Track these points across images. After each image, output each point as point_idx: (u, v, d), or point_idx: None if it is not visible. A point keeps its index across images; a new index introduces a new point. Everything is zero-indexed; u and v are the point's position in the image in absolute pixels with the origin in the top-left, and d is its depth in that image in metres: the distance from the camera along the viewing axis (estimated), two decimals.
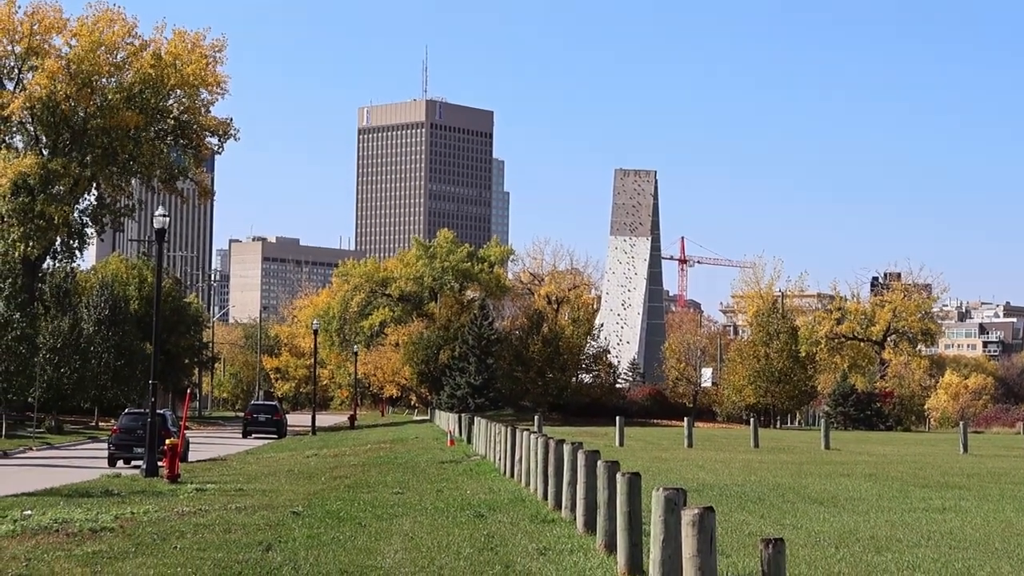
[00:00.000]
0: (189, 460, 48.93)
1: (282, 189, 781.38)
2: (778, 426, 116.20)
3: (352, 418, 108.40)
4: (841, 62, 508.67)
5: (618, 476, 18.05)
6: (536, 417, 71.45)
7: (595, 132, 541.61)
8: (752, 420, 68.41)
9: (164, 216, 44.71)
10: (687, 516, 12.95)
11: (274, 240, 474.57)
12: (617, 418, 64.47)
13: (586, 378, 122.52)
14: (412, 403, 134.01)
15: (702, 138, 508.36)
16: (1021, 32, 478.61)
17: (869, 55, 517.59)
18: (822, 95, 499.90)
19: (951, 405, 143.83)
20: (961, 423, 69.97)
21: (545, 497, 27.64)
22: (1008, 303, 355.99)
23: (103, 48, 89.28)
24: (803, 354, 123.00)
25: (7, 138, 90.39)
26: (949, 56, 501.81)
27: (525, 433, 33.35)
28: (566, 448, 24.60)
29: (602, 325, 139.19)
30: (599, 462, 20.05)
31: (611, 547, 18.67)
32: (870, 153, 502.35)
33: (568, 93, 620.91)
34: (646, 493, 16.24)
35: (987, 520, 25.70)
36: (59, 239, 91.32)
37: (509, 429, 37.61)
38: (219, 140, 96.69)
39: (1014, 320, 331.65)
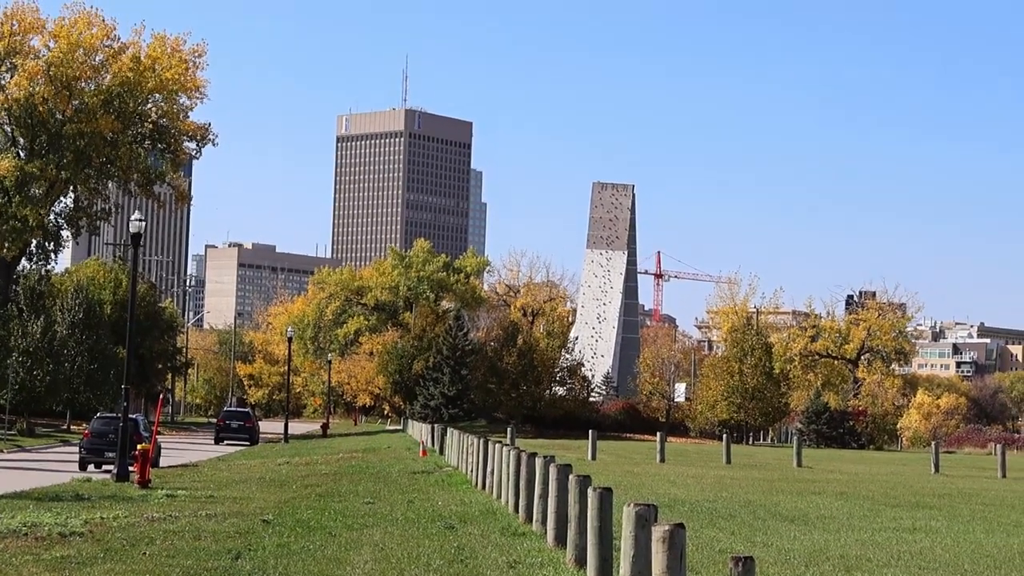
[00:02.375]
0: (160, 465, 48.74)
1: (260, 195, 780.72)
2: (751, 443, 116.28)
3: (325, 426, 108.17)
4: (823, 78, 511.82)
5: (589, 491, 18.01)
6: (509, 429, 71.38)
7: (573, 145, 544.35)
8: (724, 436, 68.45)
9: (140, 220, 44.58)
10: (657, 532, 12.91)
11: (250, 246, 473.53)
12: (590, 432, 64.37)
13: (560, 391, 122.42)
14: (385, 412, 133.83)
15: (681, 152, 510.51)
16: (991, 48, 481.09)
17: (851, 70, 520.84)
18: (801, 111, 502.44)
19: (923, 425, 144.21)
20: (933, 443, 70.15)
21: (516, 510, 27.61)
22: (982, 324, 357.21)
23: (81, 50, 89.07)
24: (777, 371, 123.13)
25: None
26: (931, 70, 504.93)
27: (497, 445, 33.33)
28: (538, 461, 24.58)
29: (576, 338, 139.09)
30: (571, 476, 20.03)
31: (581, 562, 18.64)
32: (849, 171, 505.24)
33: (547, 106, 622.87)
34: (617, 508, 16.22)
35: (957, 541, 25.75)
36: (34, 241, 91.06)
37: (481, 441, 37.58)
38: (197, 145, 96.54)
39: (987, 341, 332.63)
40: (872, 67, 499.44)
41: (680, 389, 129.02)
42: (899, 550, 23.70)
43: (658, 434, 65.47)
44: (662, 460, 59.66)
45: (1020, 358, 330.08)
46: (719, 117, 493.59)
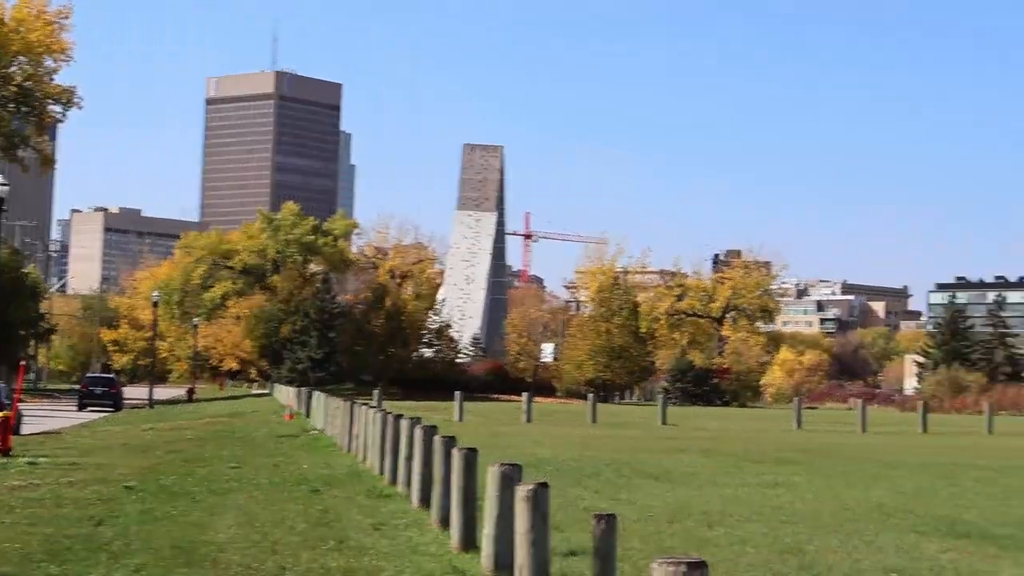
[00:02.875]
0: (22, 433, 47.99)
1: (127, 160, 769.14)
2: (617, 401, 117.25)
3: (191, 391, 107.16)
4: (683, 37, 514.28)
5: (454, 451, 18.06)
6: (376, 392, 71.29)
7: (443, 107, 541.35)
8: (590, 396, 68.86)
9: (4, 185, 43.82)
10: (521, 492, 13.00)
11: (116, 211, 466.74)
12: (456, 393, 64.43)
13: (428, 353, 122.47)
14: (251, 377, 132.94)
15: (550, 114, 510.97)
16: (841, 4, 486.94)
17: (705, 28, 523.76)
18: (663, 72, 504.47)
19: (787, 381, 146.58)
20: (795, 399, 71.24)
21: (382, 472, 27.59)
22: (846, 281, 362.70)
23: None
24: (643, 330, 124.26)
25: None
26: (784, 25, 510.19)
27: (363, 408, 33.28)
28: (404, 423, 24.59)
29: (444, 300, 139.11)
30: (436, 437, 20.06)
31: (445, 522, 18.68)
32: (714, 130, 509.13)
33: (417, 68, 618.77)
34: (483, 469, 16.28)
35: (817, 495, 26.19)
36: None
37: (347, 403, 37.51)
38: (62, 108, 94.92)
39: (851, 298, 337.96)
40: (726, 25, 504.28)
41: (547, 349, 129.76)
42: (761, 505, 24.05)
43: (524, 395, 65.73)
44: (528, 420, 59.92)
45: (882, 315, 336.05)
46: (586, 79, 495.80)
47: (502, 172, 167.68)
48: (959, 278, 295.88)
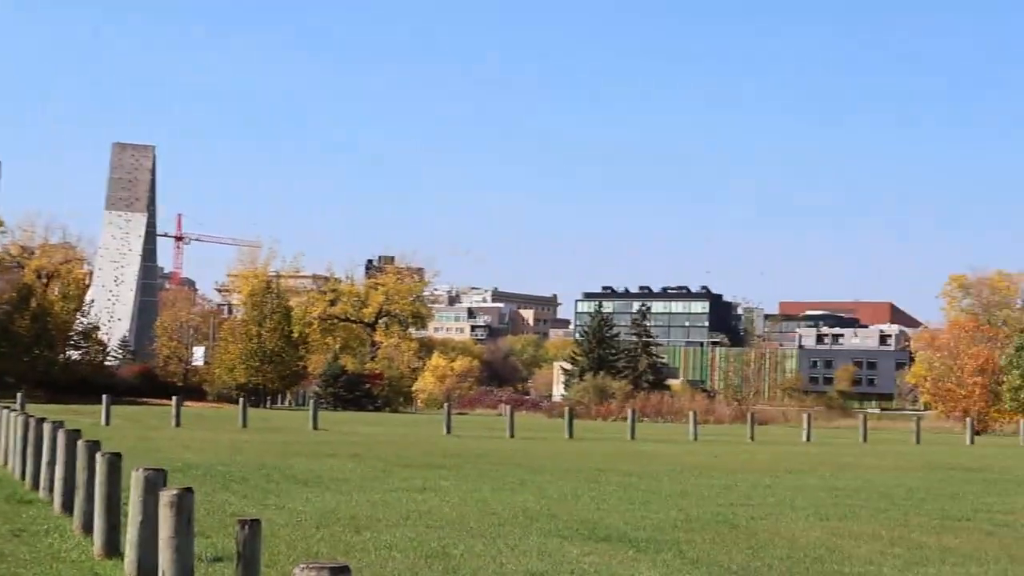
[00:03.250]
0: None
1: None
2: (269, 406, 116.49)
3: None
4: (326, 30, 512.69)
5: (98, 456, 17.71)
6: (19, 395, 69.15)
7: (92, 104, 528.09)
8: (241, 400, 68.31)
9: None
10: (165, 497, 12.83)
11: None
12: (104, 396, 63.12)
13: (75, 355, 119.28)
14: None
15: (204, 115, 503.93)
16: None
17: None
18: (317, 65, 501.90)
19: (438, 387, 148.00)
20: (446, 404, 72.10)
21: (23, 477, 26.86)
22: (496, 289, 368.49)
23: None
24: (296, 334, 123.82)
25: None
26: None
27: (4, 411, 32.29)
28: (46, 427, 23.97)
29: (93, 301, 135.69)
30: (79, 442, 19.64)
31: (88, 528, 18.28)
32: (364, 131, 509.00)
33: (69, 64, 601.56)
34: (128, 473, 16.00)
35: (464, 499, 26.57)
36: None
37: None
38: None
39: (501, 305, 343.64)
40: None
41: (199, 353, 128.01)
42: (408, 509, 24.27)
43: (174, 398, 64.79)
44: (178, 424, 59.08)
45: (531, 322, 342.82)
46: (236, 80, 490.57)
47: (154, 172, 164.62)
48: (605, 288, 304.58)
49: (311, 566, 8.40)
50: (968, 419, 77.70)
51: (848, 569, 18.39)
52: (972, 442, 71.13)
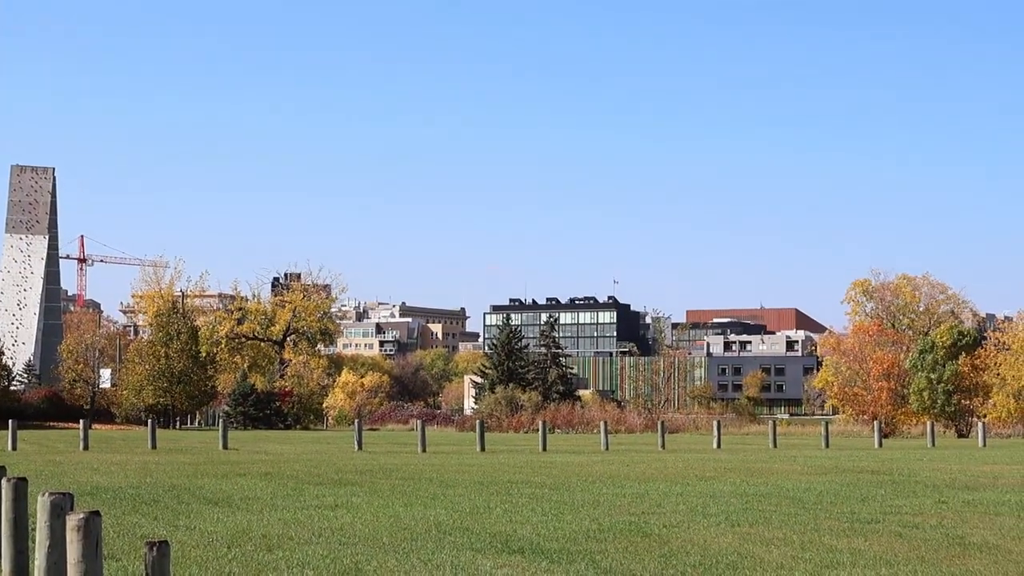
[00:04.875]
0: None
1: None
2: (178, 427, 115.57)
3: None
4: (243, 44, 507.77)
5: (3, 481, 17.48)
6: None
7: None
8: (150, 421, 67.79)
9: None
10: (72, 521, 12.67)
11: None
12: (10, 421, 62.63)
13: None
14: None
15: (105, 137, 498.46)
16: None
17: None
18: (225, 84, 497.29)
19: (348, 403, 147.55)
20: (356, 420, 71.88)
21: None
22: (404, 303, 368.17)
23: None
24: (203, 354, 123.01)
25: None
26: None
27: None
28: None
29: None
30: None
31: None
32: (268, 149, 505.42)
33: None
34: (35, 498, 15.81)
35: (376, 515, 26.46)
36: None
37: None
38: None
39: (409, 320, 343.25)
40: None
41: (105, 375, 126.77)
42: (320, 527, 24.14)
43: (82, 421, 64.17)
44: (86, 448, 58.48)
45: (440, 336, 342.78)
46: (135, 99, 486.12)
47: (54, 194, 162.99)
48: (513, 300, 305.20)
49: None
50: (876, 422, 78.50)
51: (760, 574, 18.51)
52: (880, 445, 71.88)
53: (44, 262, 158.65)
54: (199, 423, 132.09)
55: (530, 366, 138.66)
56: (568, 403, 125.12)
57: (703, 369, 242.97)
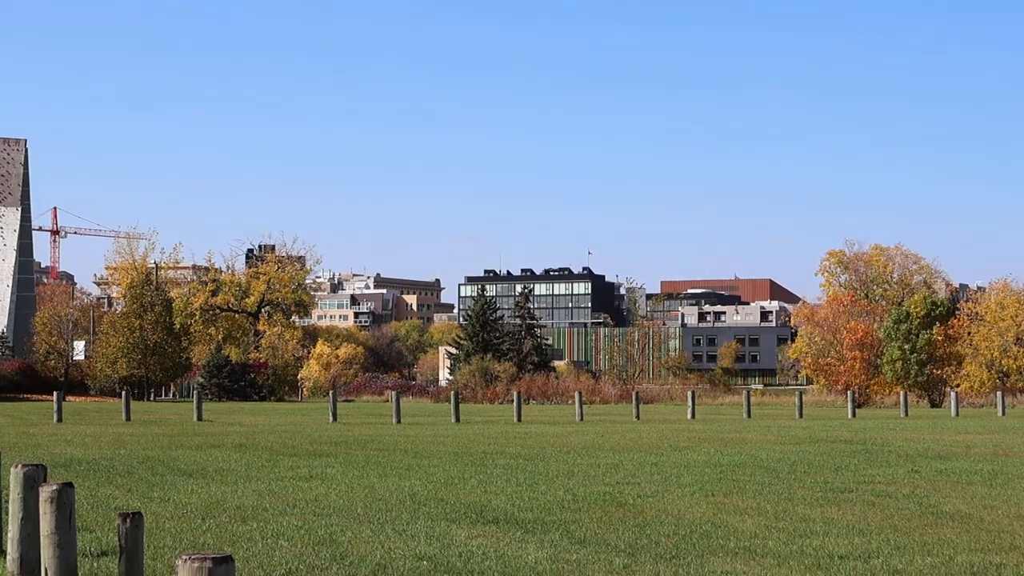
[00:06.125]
0: None
1: None
2: (153, 399, 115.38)
3: None
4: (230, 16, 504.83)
5: None
6: None
7: None
8: (124, 393, 67.61)
9: None
10: (45, 493, 12.65)
11: None
12: None
13: None
14: None
15: (77, 105, 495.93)
16: None
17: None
18: (196, 51, 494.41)
19: (323, 375, 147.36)
20: (331, 392, 71.84)
21: None
22: (379, 275, 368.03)
23: None
24: (178, 326, 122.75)
25: None
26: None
27: None
28: None
29: None
30: None
31: None
32: (244, 121, 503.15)
33: None
34: (9, 470, 15.77)
35: (351, 486, 26.48)
36: None
37: None
38: None
39: (384, 291, 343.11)
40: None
41: (79, 347, 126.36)
42: (295, 498, 24.15)
43: (56, 393, 63.97)
44: (60, 420, 58.31)
45: (414, 307, 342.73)
46: (109, 72, 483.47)
47: (26, 166, 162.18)
48: (488, 271, 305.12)
49: (194, 557, 8.31)
50: (849, 392, 78.81)
51: (734, 543, 18.57)
52: (854, 415, 72.17)
53: (16, 234, 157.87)
54: (173, 395, 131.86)
55: (505, 337, 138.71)
56: (543, 374, 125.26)
57: (677, 340, 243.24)
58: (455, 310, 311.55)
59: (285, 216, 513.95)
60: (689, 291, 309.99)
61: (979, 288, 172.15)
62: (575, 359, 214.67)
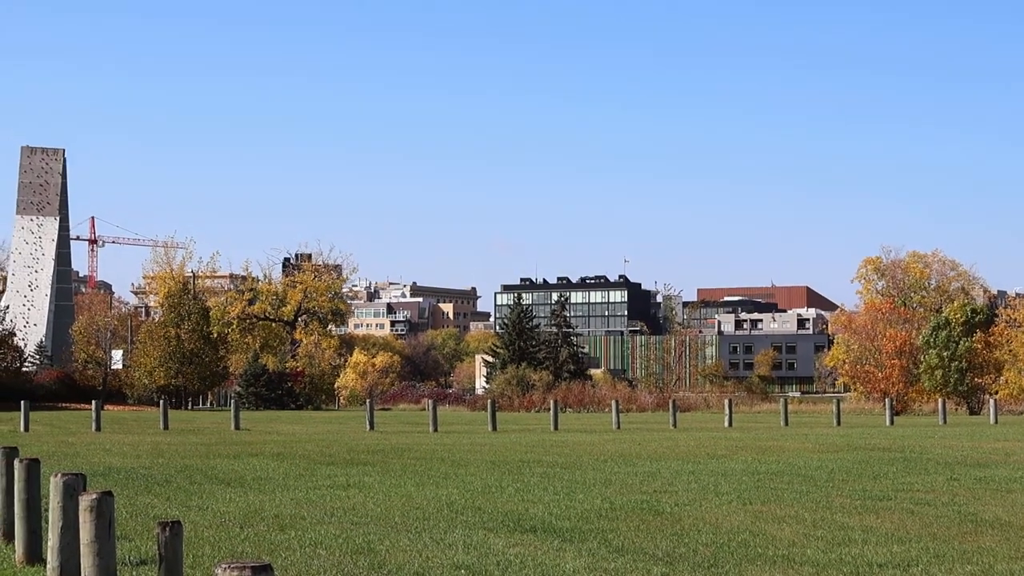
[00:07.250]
0: None
1: None
2: (190, 407, 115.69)
3: None
4: (240, 36, 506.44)
5: (16, 462, 17.54)
6: None
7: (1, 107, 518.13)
8: (162, 402, 67.86)
9: None
10: (85, 501, 12.72)
11: None
12: (22, 402, 62.65)
13: None
14: None
15: (116, 119, 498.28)
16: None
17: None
18: (226, 66, 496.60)
19: (360, 383, 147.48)
20: (368, 400, 71.91)
21: None
22: (415, 283, 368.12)
23: None
24: (215, 335, 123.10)
25: None
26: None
27: None
28: None
29: (8, 307, 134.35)
30: None
31: (9, 535, 18.13)
32: (277, 128, 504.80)
33: None
34: (48, 479, 15.86)
35: (388, 495, 26.51)
36: None
37: None
38: None
39: (420, 300, 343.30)
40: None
41: (117, 356, 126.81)
42: (333, 507, 24.19)
43: (94, 402, 64.21)
44: (98, 429, 58.54)
45: (451, 315, 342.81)
46: (147, 82, 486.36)
47: (64, 175, 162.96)
48: (524, 279, 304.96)
49: (233, 566, 8.34)
50: (887, 400, 78.39)
51: (772, 552, 18.52)
52: (892, 423, 71.82)
53: (55, 243, 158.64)
54: (211, 404, 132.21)
55: (541, 345, 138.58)
56: (579, 382, 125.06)
57: (714, 347, 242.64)
58: (491, 318, 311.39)
59: (322, 225, 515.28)
60: (725, 299, 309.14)
61: (1018, 295, 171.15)
62: (611, 367, 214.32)
